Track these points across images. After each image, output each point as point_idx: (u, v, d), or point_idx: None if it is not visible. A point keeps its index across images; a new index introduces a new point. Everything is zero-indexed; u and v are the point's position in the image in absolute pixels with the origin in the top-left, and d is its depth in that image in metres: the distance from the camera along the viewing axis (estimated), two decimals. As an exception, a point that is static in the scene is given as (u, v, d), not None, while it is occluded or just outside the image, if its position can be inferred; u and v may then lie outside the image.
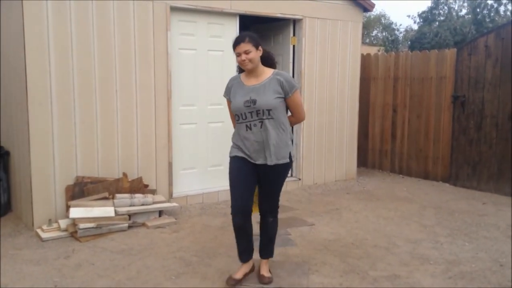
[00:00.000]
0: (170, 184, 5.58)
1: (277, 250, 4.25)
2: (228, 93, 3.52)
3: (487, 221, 5.26)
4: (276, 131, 3.32)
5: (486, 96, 6.52)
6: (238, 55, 3.29)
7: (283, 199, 6.07)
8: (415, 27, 19.33)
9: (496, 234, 4.82)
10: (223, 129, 6.04)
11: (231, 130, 6.67)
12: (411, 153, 7.60)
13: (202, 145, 5.94)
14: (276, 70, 3.41)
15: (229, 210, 5.50)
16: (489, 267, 3.96)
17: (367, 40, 23.31)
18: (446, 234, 4.81)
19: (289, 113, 3.55)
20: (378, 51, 14.31)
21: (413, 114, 7.52)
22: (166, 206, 5.12)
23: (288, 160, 3.41)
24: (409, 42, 18.32)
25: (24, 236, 4.60)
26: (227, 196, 5.98)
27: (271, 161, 3.33)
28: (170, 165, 5.55)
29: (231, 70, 6.06)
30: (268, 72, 3.39)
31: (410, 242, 4.54)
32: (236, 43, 3.30)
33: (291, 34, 6.66)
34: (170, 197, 5.56)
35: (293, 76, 6.77)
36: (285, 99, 3.36)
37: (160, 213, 5.08)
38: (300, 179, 6.78)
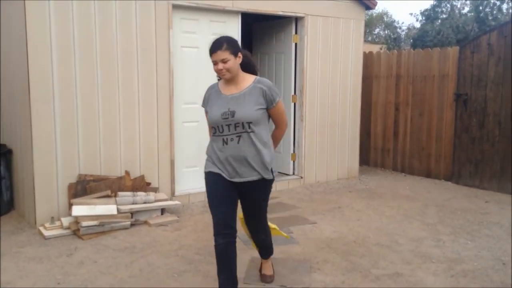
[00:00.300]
0: (172, 182, 5.58)
1: (279, 248, 4.26)
2: (206, 103, 3.18)
3: (489, 219, 5.25)
4: (255, 147, 2.99)
5: (489, 94, 6.50)
6: (215, 63, 2.96)
7: (285, 197, 6.11)
8: (418, 25, 19.28)
9: (498, 232, 4.81)
10: (225, 127, 6.04)
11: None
12: (413, 151, 7.59)
13: (205, 143, 5.90)
14: (257, 77, 3.09)
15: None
16: (491, 265, 3.96)
17: (369, 38, 23.28)
18: (449, 232, 4.80)
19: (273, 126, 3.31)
20: (380, 49, 14.28)
21: (416, 112, 7.51)
22: (168, 204, 5.13)
23: (270, 177, 3.10)
24: (411, 40, 18.27)
25: (26, 234, 4.61)
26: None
27: (249, 178, 3.04)
28: (172, 163, 5.56)
29: (233, 68, 6.07)
30: (249, 79, 3.06)
31: (412, 240, 4.54)
32: (212, 51, 2.94)
33: (293, 32, 6.65)
34: (172, 195, 5.57)
35: (295, 75, 6.77)
36: (267, 109, 3.05)
37: (162, 211, 5.09)
38: (302, 178, 6.78)
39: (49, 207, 4.79)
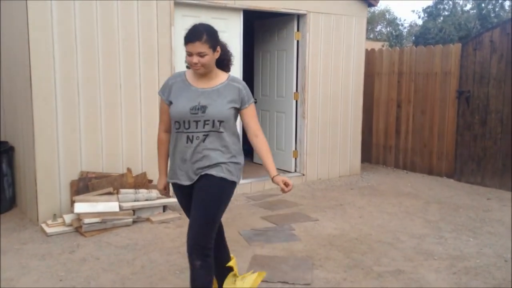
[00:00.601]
0: (174, 179, 5.58)
1: (281, 245, 4.26)
2: (166, 92, 2.76)
3: (491, 216, 5.24)
4: (221, 151, 2.68)
5: (491, 91, 6.49)
6: (189, 54, 2.60)
7: (287, 194, 6.07)
8: (420, 22, 19.25)
9: (500, 229, 4.81)
10: (227, 125, 6.04)
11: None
12: (416, 148, 7.58)
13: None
14: (231, 75, 2.79)
15: (232, 205, 5.56)
16: (493, 262, 3.96)
17: (371, 35, 23.25)
18: (451, 229, 4.80)
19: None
20: (383, 46, 14.26)
21: (418, 110, 7.50)
22: (170, 202, 5.13)
23: (229, 177, 2.68)
24: (413, 38, 18.25)
25: (29, 231, 4.62)
26: (231, 192, 5.99)
27: (204, 171, 2.67)
28: (174, 160, 5.55)
29: (236, 66, 6.06)
30: (222, 76, 2.75)
31: (414, 238, 4.53)
32: (189, 40, 2.58)
33: (295, 29, 6.64)
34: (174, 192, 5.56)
35: (296, 72, 6.77)
36: (240, 110, 2.74)
37: (164, 208, 5.09)
38: (304, 175, 6.78)
39: (51, 204, 4.80)
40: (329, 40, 6.78)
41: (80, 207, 4.56)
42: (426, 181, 7.03)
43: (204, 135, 2.64)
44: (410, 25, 22.13)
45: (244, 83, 2.78)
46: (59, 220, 4.67)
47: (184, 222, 4.90)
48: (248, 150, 7.75)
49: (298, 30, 6.65)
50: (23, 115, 4.94)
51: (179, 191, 2.82)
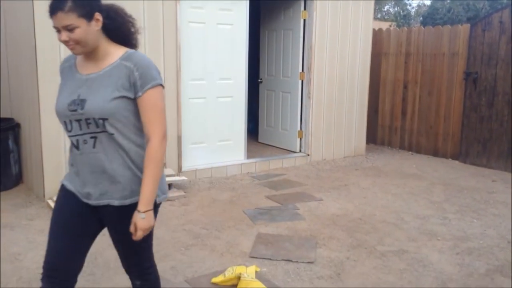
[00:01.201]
0: (179, 158, 5.60)
1: (286, 224, 4.29)
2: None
3: (496, 198, 5.24)
4: (118, 155, 1.97)
5: (499, 73, 6.42)
6: (57, 30, 1.90)
7: (291, 174, 6.12)
8: (428, 2, 19.01)
9: (504, 211, 4.81)
10: (232, 104, 6.03)
11: (241, 105, 6.66)
12: (421, 129, 7.55)
13: (211, 119, 5.93)
14: (129, 51, 2.00)
15: (237, 184, 5.59)
16: (497, 243, 3.97)
17: (379, 15, 22.94)
18: (455, 210, 4.81)
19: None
20: (390, 26, 14.09)
21: (424, 91, 7.45)
22: (176, 180, 5.16)
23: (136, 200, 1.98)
24: (421, 18, 18.02)
25: (35, 207, 4.66)
26: (236, 171, 6.03)
27: (110, 200, 2.00)
28: (179, 139, 5.56)
29: (241, 45, 6.02)
30: (115, 53, 1.98)
31: (418, 218, 4.55)
32: (50, 12, 1.89)
33: (302, 8, 6.56)
34: (179, 171, 5.60)
35: (303, 52, 6.70)
36: (136, 100, 1.95)
37: (170, 186, 5.12)
38: (308, 155, 6.78)
39: (58, 180, 4.74)
40: (336, 19, 6.70)
41: (86, 184, 4.59)
42: (431, 162, 7.02)
43: (91, 137, 1.95)
44: (418, 5, 21.86)
45: (144, 60, 1.96)
46: (65, 197, 4.70)
47: (188, 200, 4.93)
48: (253, 128, 7.77)
49: (305, 9, 6.57)
50: (29, 91, 4.94)
51: (64, 198, 2.13)
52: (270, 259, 3.57)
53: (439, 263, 3.58)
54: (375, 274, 3.39)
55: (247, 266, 3.35)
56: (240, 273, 3.14)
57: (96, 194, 2.00)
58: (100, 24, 1.92)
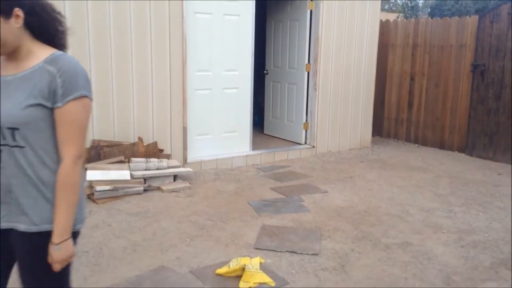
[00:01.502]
0: (185, 149, 5.62)
1: (291, 216, 4.30)
2: None
3: (502, 191, 5.22)
4: (27, 174, 1.67)
5: (507, 65, 6.37)
6: None
7: (297, 166, 6.12)
8: (436, -7, 18.81)
9: (510, 204, 4.80)
10: (238, 95, 6.02)
11: (246, 96, 6.64)
12: (428, 122, 7.52)
13: (217, 111, 5.93)
14: (56, 53, 1.69)
15: (242, 176, 5.59)
16: (502, 237, 3.96)
17: (386, 7, 22.75)
18: (460, 203, 4.80)
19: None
20: (397, 17, 13.99)
21: (431, 83, 7.40)
22: (181, 171, 5.17)
23: (44, 228, 1.72)
24: (429, 9, 17.88)
25: None
26: (242, 162, 6.03)
27: (14, 223, 1.72)
28: (184, 130, 5.57)
29: (248, 36, 6.00)
30: (39, 54, 1.69)
31: (424, 211, 4.54)
32: None
33: (309, -1, 6.53)
34: (184, 162, 5.61)
35: (309, 43, 6.67)
36: (53, 110, 1.65)
37: (175, 177, 5.14)
38: (314, 147, 6.78)
39: None
40: (343, 11, 6.66)
41: (92, 174, 4.62)
42: (437, 155, 6.99)
43: (7, 149, 1.67)
44: (426, -4, 21.62)
45: (70, 65, 1.66)
46: (72, 187, 4.73)
47: (194, 191, 4.95)
48: (258, 120, 7.76)
49: (311, -1, 6.54)
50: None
51: None
52: (275, 250, 3.58)
53: (443, 256, 3.58)
54: (380, 266, 3.39)
55: (251, 258, 3.36)
56: (245, 264, 3.15)
57: (3, 215, 1.73)
58: (20, 20, 1.65)
